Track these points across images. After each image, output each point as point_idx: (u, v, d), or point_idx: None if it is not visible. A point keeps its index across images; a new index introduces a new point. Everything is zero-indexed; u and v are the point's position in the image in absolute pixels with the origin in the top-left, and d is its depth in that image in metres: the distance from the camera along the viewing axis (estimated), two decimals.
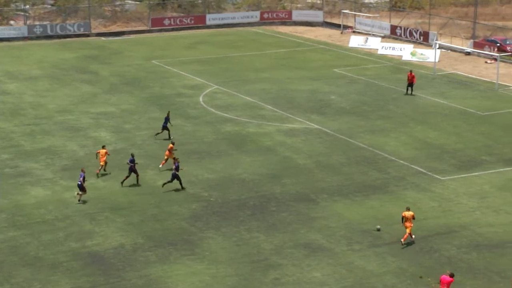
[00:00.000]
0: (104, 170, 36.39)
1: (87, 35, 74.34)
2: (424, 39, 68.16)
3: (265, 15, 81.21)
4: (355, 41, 69.69)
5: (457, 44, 65.25)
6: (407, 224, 28.83)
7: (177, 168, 33.94)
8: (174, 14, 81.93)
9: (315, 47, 69.10)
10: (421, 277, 26.22)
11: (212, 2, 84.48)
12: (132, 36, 75.25)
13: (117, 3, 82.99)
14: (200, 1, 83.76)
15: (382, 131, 43.17)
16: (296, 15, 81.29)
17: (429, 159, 38.40)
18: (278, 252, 28.55)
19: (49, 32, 73.17)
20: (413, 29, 70.15)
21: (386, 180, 35.70)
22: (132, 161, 34.73)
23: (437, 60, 59.54)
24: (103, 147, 36.77)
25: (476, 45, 63.70)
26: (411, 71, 51.86)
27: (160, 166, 37.08)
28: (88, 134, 42.98)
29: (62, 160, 38.66)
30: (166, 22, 78.12)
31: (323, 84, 54.66)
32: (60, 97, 51.30)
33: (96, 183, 35.27)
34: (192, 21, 78.83)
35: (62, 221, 31.30)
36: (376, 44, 68.02)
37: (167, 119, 41.05)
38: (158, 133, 41.65)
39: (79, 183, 32.80)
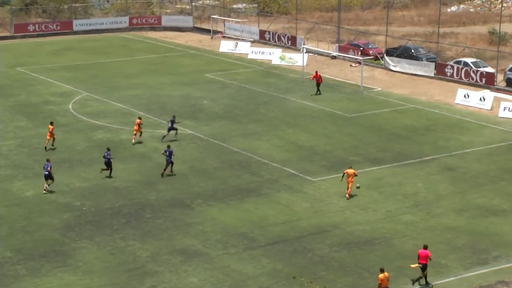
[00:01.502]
0: (52, 144, 40.07)
1: None
2: (292, 43, 69.80)
3: (134, 21, 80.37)
4: (226, 46, 70.34)
5: (324, 48, 67.26)
6: (349, 179, 33.77)
7: (170, 155, 35.95)
8: (39, 19, 79.43)
9: (186, 52, 69.12)
10: (294, 278, 26.83)
11: (79, 7, 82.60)
12: None
13: None
14: (66, 7, 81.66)
15: (254, 135, 43.81)
16: (166, 21, 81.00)
17: (301, 161, 39.35)
18: (154, 259, 28.35)
19: None
20: (281, 33, 71.69)
21: (259, 183, 36.24)
22: (109, 154, 36.03)
23: (305, 64, 61.13)
24: (51, 123, 40.26)
25: (341, 49, 65.93)
26: (316, 72, 53.60)
27: (133, 141, 40.76)
28: None
29: None
30: (31, 27, 75.63)
31: (195, 89, 54.77)
32: None
33: None
34: (58, 27, 76.76)
35: None
36: (246, 49, 68.93)
37: (172, 122, 41.71)
38: (164, 136, 41.99)
39: (46, 173, 33.12)
